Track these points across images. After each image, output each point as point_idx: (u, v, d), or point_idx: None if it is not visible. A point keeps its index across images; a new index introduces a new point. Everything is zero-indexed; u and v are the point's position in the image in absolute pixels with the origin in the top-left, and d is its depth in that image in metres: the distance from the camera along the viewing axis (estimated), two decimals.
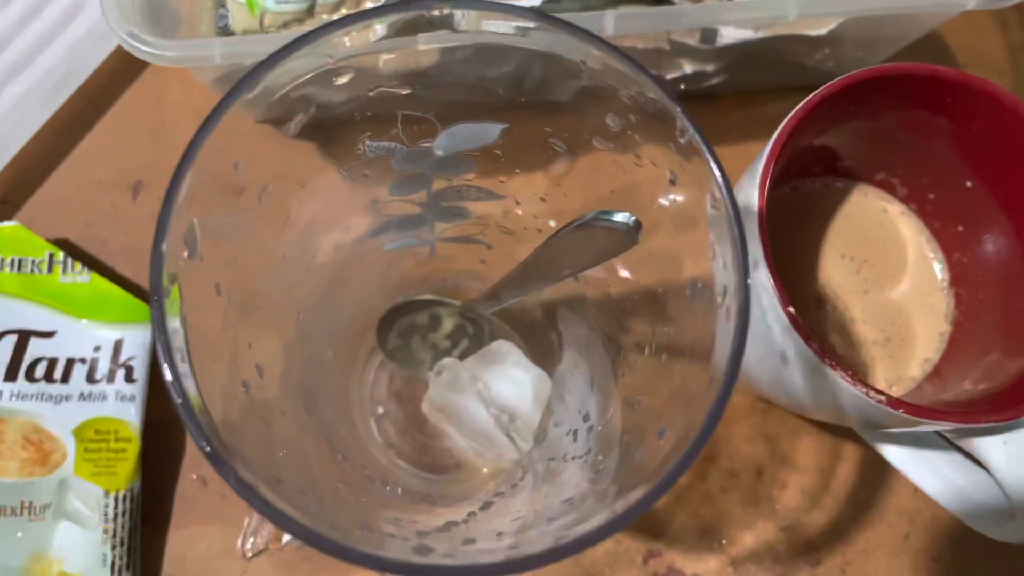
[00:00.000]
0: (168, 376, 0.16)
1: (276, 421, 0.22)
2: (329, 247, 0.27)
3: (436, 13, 0.19)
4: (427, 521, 0.23)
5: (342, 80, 0.20)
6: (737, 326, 0.17)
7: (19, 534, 0.33)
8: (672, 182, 0.21)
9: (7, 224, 0.37)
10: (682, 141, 0.19)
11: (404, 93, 0.22)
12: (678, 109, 0.19)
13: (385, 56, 0.22)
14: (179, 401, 0.16)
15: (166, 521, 0.36)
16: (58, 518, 0.34)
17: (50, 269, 0.37)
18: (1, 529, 0.33)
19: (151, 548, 0.36)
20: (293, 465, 0.21)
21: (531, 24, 0.19)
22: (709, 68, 0.40)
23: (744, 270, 0.17)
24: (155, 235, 0.17)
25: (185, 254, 0.18)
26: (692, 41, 0.38)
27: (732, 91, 0.43)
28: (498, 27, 0.20)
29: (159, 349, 0.17)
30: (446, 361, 0.33)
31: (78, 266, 0.37)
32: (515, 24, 0.20)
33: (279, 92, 0.19)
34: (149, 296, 0.17)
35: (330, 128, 0.22)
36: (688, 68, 0.40)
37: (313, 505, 0.19)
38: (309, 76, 0.19)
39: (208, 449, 0.16)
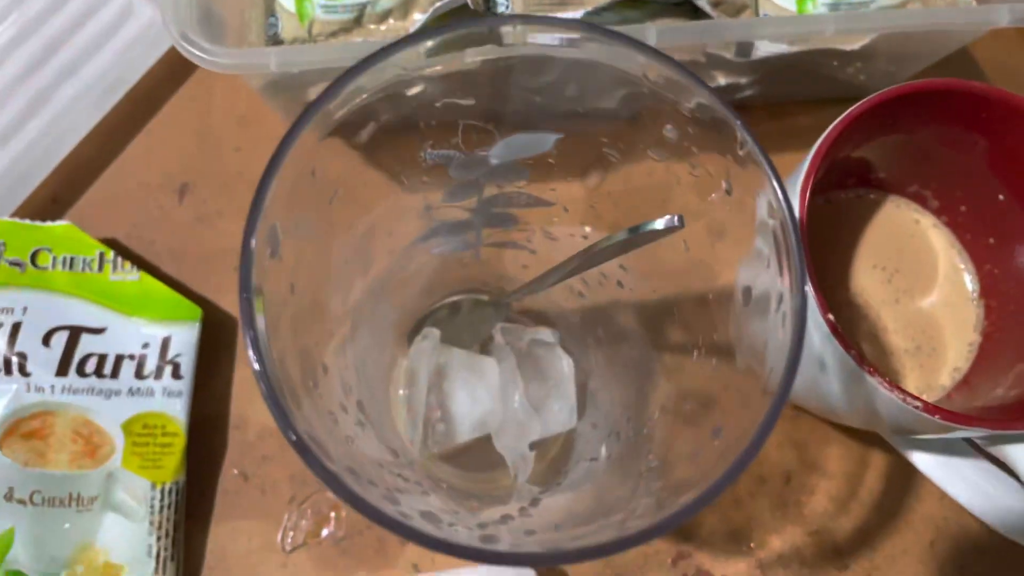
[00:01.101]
0: (256, 367, 0.17)
1: (340, 417, 0.23)
2: (383, 250, 0.28)
3: (508, 28, 0.20)
4: (484, 515, 0.24)
5: (413, 91, 0.21)
6: (794, 333, 0.18)
7: (67, 525, 0.34)
8: (728, 192, 0.22)
9: (59, 223, 0.38)
10: (741, 152, 0.20)
11: (467, 104, 0.23)
12: (738, 122, 0.19)
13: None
14: (266, 391, 0.17)
15: (208, 515, 0.37)
16: (105, 510, 0.35)
17: (100, 268, 0.38)
18: (49, 520, 0.34)
19: (193, 541, 0.37)
20: (359, 456, 0.22)
21: (593, 36, 0.20)
22: (743, 80, 0.41)
23: (801, 279, 0.18)
24: (244, 234, 0.18)
25: (268, 252, 0.19)
26: (728, 54, 0.39)
27: (764, 103, 0.44)
28: (558, 39, 0.21)
29: (247, 342, 0.17)
30: (433, 332, 0.33)
31: (128, 265, 0.38)
32: (574, 36, 0.21)
33: (358, 103, 0.20)
34: (239, 293, 0.18)
35: (395, 137, 0.23)
36: (722, 80, 0.41)
37: (383, 497, 0.20)
38: (384, 87, 0.20)
39: (295, 439, 0.17)
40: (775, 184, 0.19)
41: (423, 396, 0.32)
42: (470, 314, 0.36)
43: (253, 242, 0.17)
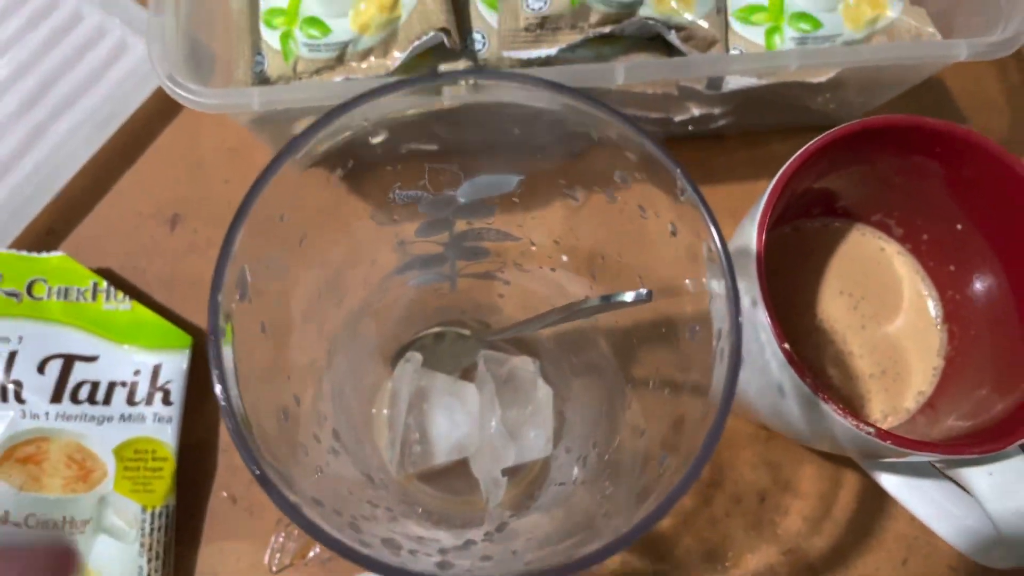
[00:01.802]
0: (223, 404, 0.19)
1: (311, 446, 0.24)
2: (358, 284, 0.29)
3: (463, 83, 0.21)
4: (448, 540, 0.25)
5: (377, 139, 0.22)
6: (729, 367, 0.19)
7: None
8: (673, 233, 0.23)
9: (54, 254, 0.39)
10: (682, 198, 0.21)
11: (431, 149, 0.24)
12: (678, 170, 0.21)
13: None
14: (233, 428, 0.18)
15: (198, 536, 0.38)
16: (97, 532, 0.36)
17: (94, 297, 0.39)
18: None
19: (184, 562, 0.38)
20: (327, 487, 0.23)
21: (545, 92, 0.21)
22: (716, 111, 0.42)
23: (736, 319, 0.19)
24: (212, 283, 0.19)
25: (237, 296, 0.20)
26: (699, 86, 0.40)
27: (738, 131, 0.45)
28: (513, 95, 0.23)
29: (215, 381, 0.19)
30: (416, 356, 0.34)
31: (120, 294, 0.39)
32: (528, 91, 0.22)
33: (321, 151, 0.21)
34: (207, 335, 0.19)
35: (364, 178, 0.24)
36: (696, 111, 0.42)
37: (347, 524, 0.21)
38: (348, 136, 0.22)
39: (258, 472, 0.18)
40: (712, 231, 0.20)
41: (403, 417, 0.33)
42: (452, 345, 0.37)
43: (220, 295, 0.19)
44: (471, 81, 0.21)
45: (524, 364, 0.34)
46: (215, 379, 0.19)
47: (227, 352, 0.19)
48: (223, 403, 0.19)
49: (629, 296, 0.23)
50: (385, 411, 0.35)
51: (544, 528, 0.26)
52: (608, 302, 0.24)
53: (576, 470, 0.29)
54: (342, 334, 0.30)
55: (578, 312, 0.26)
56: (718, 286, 0.21)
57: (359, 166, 0.23)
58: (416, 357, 0.34)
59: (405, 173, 0.25)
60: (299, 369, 0.25)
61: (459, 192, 0.26)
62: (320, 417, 0.27)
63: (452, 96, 0.24)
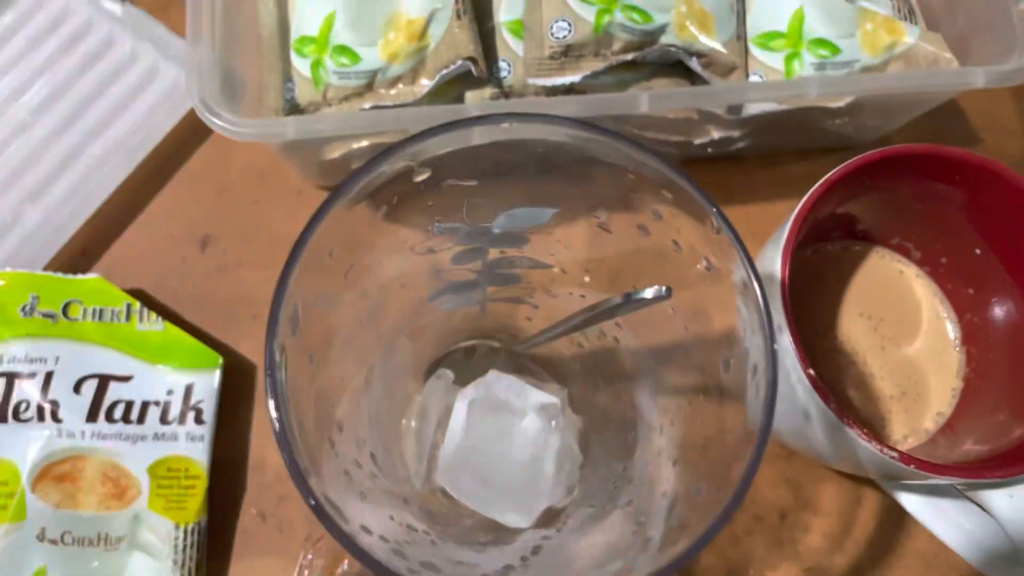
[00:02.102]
0: (280, 437, 0.19)
1: (353, 472, 0.25)
2: (395, 311, 0.30)
3: (504, 125, 0.22)
4: (487, 565, 0.26)
5: (421, 177, 0.23)
6: (765, 402, 0.20)
7: (95, 564, 0.36)
8: (707, 268, 0.24)
9: (90, 276, 0.40)
10: (717, 235, 0.22)
11: (470, 184, 0.25)
12: (714, 210, 0.21)
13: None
14: (289, 462, 0.19)
15: (228, 553, 0.39)
16: (131, 549, 0.37)
17: (128, 318, 0.40)
18: (79, 559, 0.36)
19: None
20: (372, 512, 0.24)
21: (582, 133, 0.22)
22: (735, 134, 0.43)
23: (772, 355, 0.20)
24: (268, 322, 0.20)
25: (290, 331, 0.21)
26: (720, 111, 0.41)
27: (757, 153, 0.46)
28: (547, 132, 0.23)
29: (273, 415, 0.19)
30: (447, 373, 0.35)
31: (153, 315, 0.40)
32: (562, 132, 0.23)
33: (368, 189, 0.22)
34: (265, 371, 0.20)
35: (406, 212, 0.25)
36: (716, 134, 0.43)
37: (392, 551, 0.21)
38: (394, 174, 0.23)
39: (314, 503, 0.19)
40: (747, 268, 0.21)
41: (431, 432, 0.34)
42: (483, 359, 0.37)
43: (277, 332, 0.19)
44: (508, 124, 0.22)
45: (549, 399, 0.33)
46: (272, 411, 0.20)
47: (282, 384, 0.20)
48: (279, 436, 0.19)
49: (649, 293, 0.24)
50: (414, 423, 0.35)
51: (583, 552, 0.26)
52: (630, 300, 0.25)
53: (604, 494, 0.30)
54: (378, 358, 0.30)
55: (602, 312, 0.26)
56: (752, 321, 0.21)
57: (401, 201, 0.24)
58: (447, 375, 0.34)
59: (444, 206, 0.26)
60: (341, 396, 0.26)
61: (495, 224, 0.27)
62: (359, 441, 0.27)
63: (483, 133, 0.25)
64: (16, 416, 0.37)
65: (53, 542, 0.35)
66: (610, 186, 0.25)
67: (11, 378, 0.37)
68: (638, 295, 0.24)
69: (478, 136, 0.24)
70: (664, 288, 0.24)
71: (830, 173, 0.32)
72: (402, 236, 0.27)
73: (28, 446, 0.36)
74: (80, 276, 0.40)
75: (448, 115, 0.34)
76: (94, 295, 0.40)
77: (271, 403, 0.20)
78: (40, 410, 0.37)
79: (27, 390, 0.37)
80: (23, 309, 0.38)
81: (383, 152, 0.21)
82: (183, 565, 0.37)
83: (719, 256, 0.23)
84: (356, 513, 0.22)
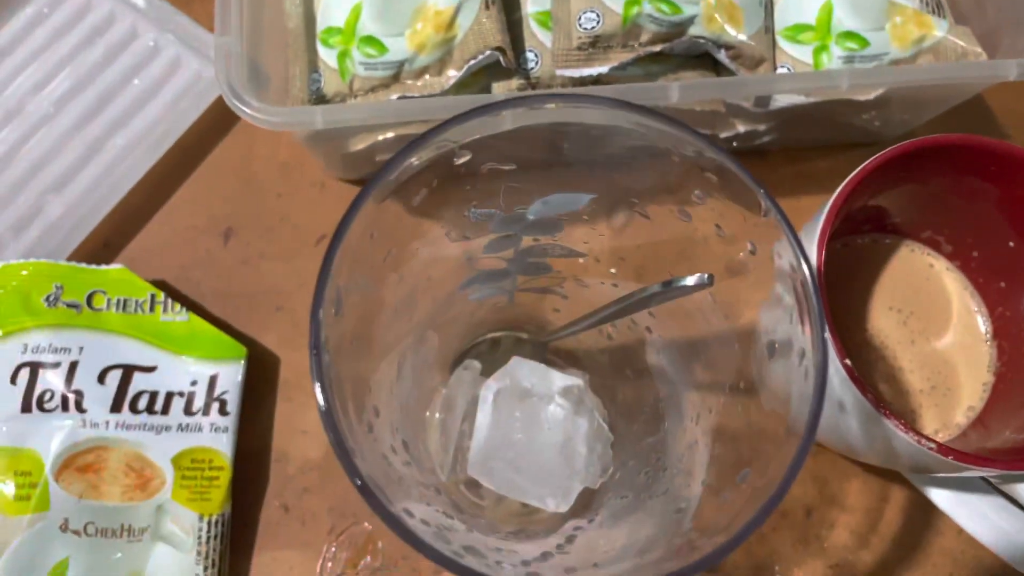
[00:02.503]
0: (326, 416, 0.19)
1: (391, 458, 0.25)
2: (428, 298, 0.29)
3: (549, 106, 0.22)
4: (525, 551, 0.25)
5: (462, 160, 0.23)
6: (815, 388, 0.20)
7: (118, 555, 0.36)
8: (752, 252, 0.23)
9: (114, 267, 0.40)
10: (764, 218, 0.22)
11: (508, 168, 0.25)
12: (761, 191, 0.21)
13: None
14: (335, 440, 0.19)
15: (251, 545, 0.39)
16: (155, 541, 0.36)
17: (151, 309, 0.40)
18: (102, 550, 0.35)
19: (237, 570, 0.38)
20: (411, 497, 0.24)
21: (633, 116, 0.22)
22: (761, 127, 0.43)
23: (821, 337, 0.20)
24: (313, 303, 0.20)
25: (333, 311, 0.21)
26: (747, 104, 0.40)
27: (782, 148, 0.46)
28: (586, 115, 0.23)
29: (319, 395, 0.19)
30: (474, 364, 0.35)
31: (177, 306, 0.40)
32: (605, 112, 0.23)
33: (408, 173, 0.22)
34: (309, 350, 0.19)
35: (444, 197, 0.25)
36: (741, 128, 0.43)
37: (433, 535, 0.21)
38: (435, 156, 0.22)
39: (360, 483, 0.19)
40: (796, 249, 0.21)
41: (458, 424, 0.33)
42: (509, 351, 0.37)
43: (321, 313, 0.19)
44: (553, 106, 0.22)
45: (570, 382, 0.33)
46: (318, 392, 0.19)
47: (327, 365, 0.20)
48: (325, 415, 0.19)
49: (691, 280, 0.24)
50: (438, 415, 0.35)
51: (620, 541, 0.26)
52: (669, 288, 0.24)
53: (635, 485, 0.30)
54: (409, 346, 0.30)
55: (640, 301, 0.26)
56: (801, 307, 0.21)
57: (441, 184, 0.24)
58: (475, 365, 0.34)
59: (482, 191, 0.26)
60: (376, 381, 0.26)
61: (530, 210, 0.27)
62: (393, 428, 0.27)
63: (525, 116, 0.25)
64: (40, 406, 0.36)
65: (76, 533, 0.35)
66: (652, 170, 0.24)
67: (35, 368, 0.37)
68: (679, 282, 0.24)
69: (517, 119, 0.24)
70: (707, 276, 0.24)
71: (865, 163, 0.32)
72: (439, 222, 0.26)
73: (52, 436, 0.36)
74: (104, 266, 0.40)
75: (478, 104, 0.34)
76: (118, 285, 0.40)
77: (317, 383, 0.19)
78: (64, 400, 0.37)
79: (51, 380, 0.37)
80: (47, 299, 0.38)
81: (427, 132, 0.21)
82: (206, 556, 0.37)
83: (764, 239, 0.22)
84: (397, 497, 0.22)
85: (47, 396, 0.37)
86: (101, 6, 0.46)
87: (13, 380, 0.36)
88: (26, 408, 0.36)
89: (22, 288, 0.38)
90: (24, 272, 0.38)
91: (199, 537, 0.36)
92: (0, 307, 0.37)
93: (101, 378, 0.38)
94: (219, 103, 0.44)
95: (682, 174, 0.23)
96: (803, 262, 0.21)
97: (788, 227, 0.21)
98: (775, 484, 0.20)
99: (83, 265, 0.40)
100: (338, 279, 0.21)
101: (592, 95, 0.21)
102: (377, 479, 0.21)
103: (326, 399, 0.19)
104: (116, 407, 0.37)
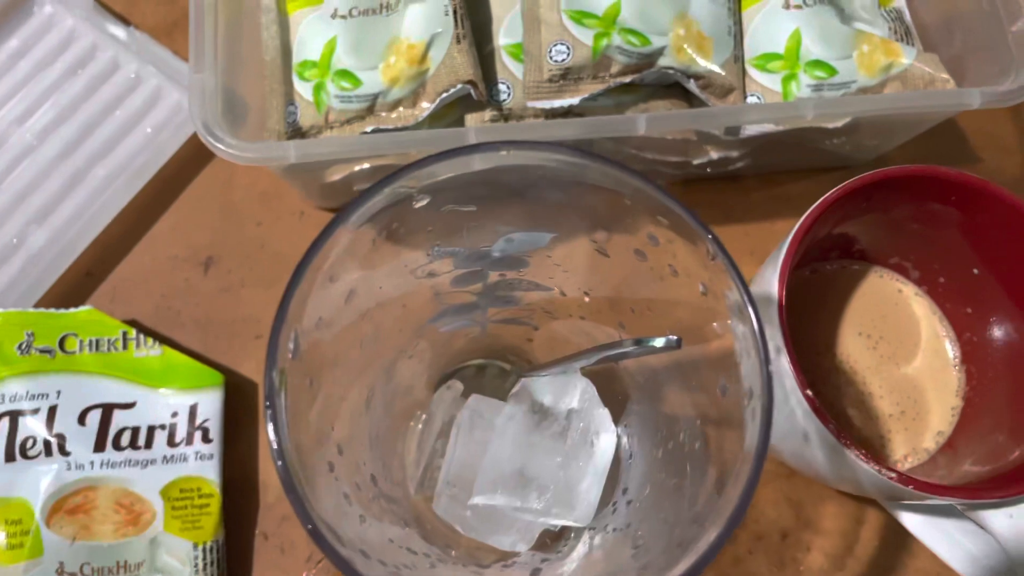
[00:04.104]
0: (278, 461, 0.20)
1: (353, 495, 0.25)
2: (396, 333, 0.30)
3: (503, 153, 0.22)
4: None
5: (421, 204, 0.24)
6: (761, 427, 0.20)
7: None
8: (703, 293, 0.24)
9: (82, 309, 0.40)
10: (712, 261, 0.22)
11: (468, 210, 0.25)
12: (709, 236, 0.22)
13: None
14: (286, 483, 0.19)
15: (245, 573, 0.39)
16: (151, 573, 0.37)
17: (124, 346, 0.40)
18: None
19: None
20: (371, 536, 0.24)
21: (577, 160, 0.22)
22: (734, 154, 0.44)
23: (768, 380, 0.20)
24: (269, 345, 0.20)
25: (289, 355, 0.21)
26: (718, 132, 0.41)
27: (755, 172, 0.46)
28: (546, 159, 0.24)
29: (271, 442, 0.20)
30: (457, 385, 0.35)
31: (150, 341, 0.40)
32: (559, 159, 0.23)
33: (368, 215, 0.23)
34: (263, 400, 0.20)
35: (406, 236, 0.26)
36: (714, 154, 0.43)
37: (392, 573, 0.22)
38: (394, 200, 0.23)
39: (311, 527, 0.19)
40: (743, 295, 0.21)
41: (431, 441, 0.34)
42: (494, 378, 0.38)
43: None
44: (506, 152, 0.22)
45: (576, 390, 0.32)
46: (271, 436, 0.20)
47: (281, 409, 0.20)
48: (278, 460, 0.20)
49: (660, 342, 0.24)
50: (419, 426, 0.35)
51: (585, 573, 0.26)
52: (641, 347, 0.25)
53: (608, 517, 0.30)
54: (379, 380, 0.31)
55: (613, 354, 0.27)
56: (748, 345, 0.22)
57: (401, 225, 0.25)
58: (457, 386, 0.34)
59: (444, 230, 0.26)
60: (341, 419, 0.26)
61: (494, 248, 0.27)
62: (359, 463, 0.28)
63: (484, 159, 0.25)
64: (24, 453, 0.37)
65: (72, 575, 0.35)
66: (607, 211, 0.25)
67: (15, 416, 0.37)
68: (648, 343, 0.25)
69: (478, 162, 0.24)
70: (675, 339, 0.24)
71: (827, 195, 0.33)
72: (402, 259, 0.27)
73: (39, 482, 0.36)
74: (72, 309, 0.40)
75: (448, 138, 0.34)
76: (89, 326, 0.40)
77: (270, 428, 0.20)
78: (47, 445, 0.37)
79: (32, 426, 0.37)
80: (20, 347, 0.38)
81: (382, 180, 0.22)
82: None
83: (715, 280, 0.23)
84: (355, 536, 0.22)
85: (29, 443, 0.37)
86: (84, 38, 0.47)
87: None
88: (10, 457, 0.37)
89: None
90: None
91: (195, 566, 0.37)
92: None
93: (81, 419, 0.38)
94: (199, 135, 0.45)
95: (635, 216, 0.24)
96: (749, 306, 0.21)
97: (734, 270, 0.21)
98: (729, 514, 0.21)
99: (52, 311, 0.39)
100: (295, 323, 0.21)
101: (541, 142, 0.22)
102: (333, 520, 0.21)
103: (279, 445, 0.20)
104: (99, 446, 0.38)
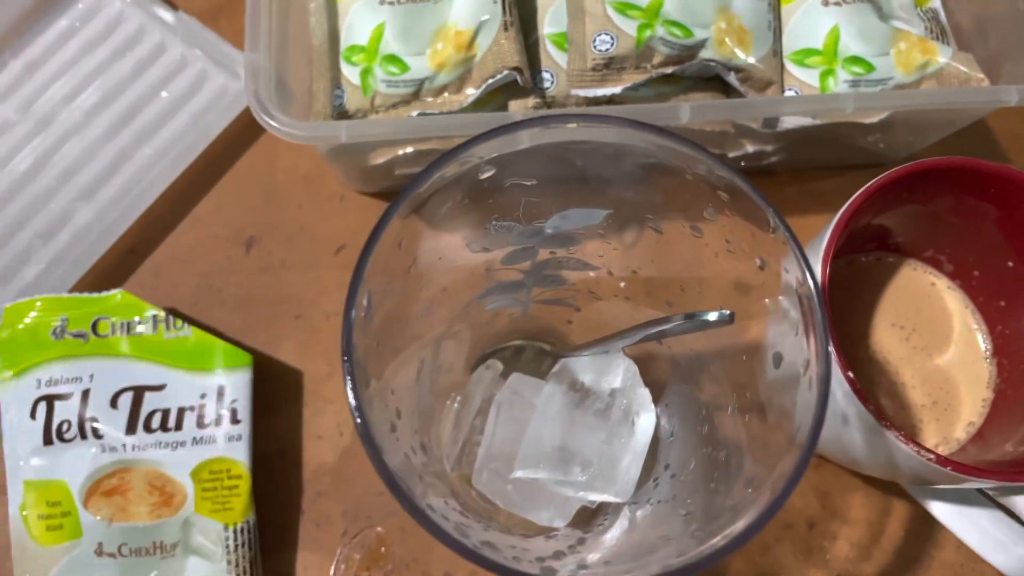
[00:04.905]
0: (357, 417, 0.20)
1: (412, 458, 0.26)
2: (447, 308, 0.31)
3: (570, 126, 0.23)
4: (539, 549, 0.26)
5: (485, 175, 0.24)
6: (819, 396, 0.21)
7: (154, 572, 0.37)
8: (761, 267, 0.25)
9: (114, 292, 0.40)
10: (773, 235, 0.23)
11: (529, 184, 0.26)
12: (771, 209, 0.22)
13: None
14: (364, 435, 0.20)
15: (268, 548, 0.40)
16: (186, 554, 0.37)
17: (155, 329, 0.40)
18: (137, 569, 0.37)
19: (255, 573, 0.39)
20: (430, 495, 0.25)
21: (648, 136, 0.23)
22: (769, 148, 0.44)
23: (825, 348, 0.21)
24: (345, 306, 0.21)
25: (363, 316, 0.22)
26: (755, 125, 0.42)
27: (789, 168, 0.47)
28: (601, 134, 0.24)
29: (351, 401, 0.20)
30: (496, 364, 0.36)
31: (179, 323, 0.40)
32: (629, 134, 0.24)
33: (436, 186, 0.23)
34: (341, 355, 0.21)
35: (466, 210, 0.26)
36: (750, 148, 0.44)
37: (454, 529, 0.22)
38: (461, 173, 0.24)
39: (388, 478, 0.20)
40: (803, 265, 0.22)
41: (470, 419, 0.34)
42: (532, 360, 0.38)
43: (353, 313, 0.20)
44: (574, 125, 0.23)
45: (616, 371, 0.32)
46: (349, 393, 0.20)
47: (357, 365, 0.21)
48: (357, 416, 0.20)
49: (713, 315, 0.25)
50: (456, 405, 0.36)
51: (630, 542, 0.27)
52: (692, 321, 0.25)
53: (650, 491, 0.31)
54: (428, 353, 0.31)
55: (661, 330, 0.27)
56: (806, 320, 0.22)
57: (466, 197, 0.25)
58: (496, 365, 0.35)
59: (503, 205, 0.27)
60: (398, 386, 0.27)
61: (548, 224, 0.28)
62: (413, 431, 0.28)
63: (545, 135, 0.26)
64: (60, 437, 0.37)
65: (111, 555, 0.36)
66: (666, 187, 0.26)
67: (51, 400, 0.38)
68: (701, 316, 0.25)
69: (535, 137, 0.25)
70: (728, 313, 0.24)
71: (869, 183, 0.33)
72: (461, 234, 0.28)
73: (76, 464, 0.37)
74: (104, 293, 0.40)
75: (496, 121, 0.35)
76: (121, 310, 0.40)
77: (348, 380, 0.21)
78: (82, 428, 0.38)
79: (67, 410, 0.38)
80: (54, 332, 0.39)
81: (455, 148, 0.22)
82: (237, 564, 0.37)
83: (773, 254, 0.23)
84: (418, 493, 0.23)
85: (65, 427, 0.38)
86: (131, 21, 0.48)
87: (33, 415, 0.38)
88: (48, 441, 0.37)
89: (30, 325, 0.39)
90: (30, 309, 0.39)
91: (227, 547, 0.37)
92: (12, 346, 0.38)
93: (113, 402, 0.38)
94: (243, 116, 0.45)
95: (694, 192, 0.25)
96: (809, 277, 0.22)
97: (795, 244, 0.22)
98: (777, 490, 0.21)
99: (85, 295, 0.40)
100: (368, 285, 0.22)
101: (612, 116, 0.23)
102: (401, 476, 0.22)
103: (357, 397, 0.20)
104: (131, 429, 0.38)
